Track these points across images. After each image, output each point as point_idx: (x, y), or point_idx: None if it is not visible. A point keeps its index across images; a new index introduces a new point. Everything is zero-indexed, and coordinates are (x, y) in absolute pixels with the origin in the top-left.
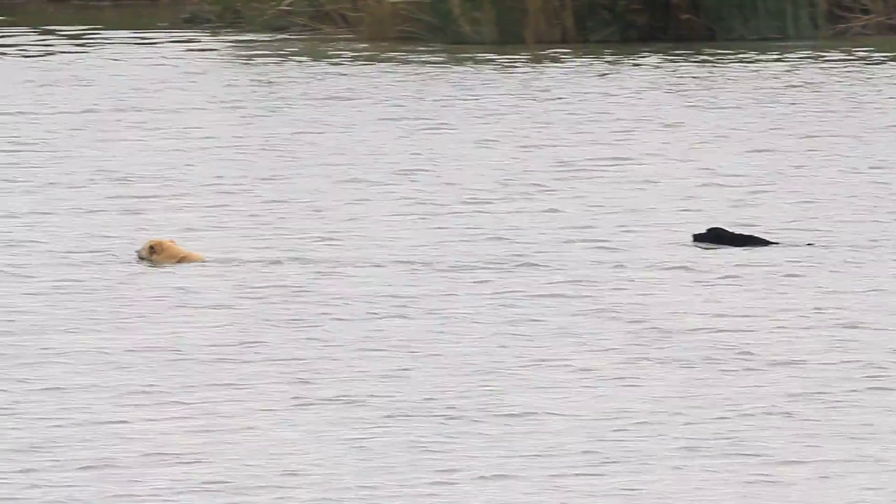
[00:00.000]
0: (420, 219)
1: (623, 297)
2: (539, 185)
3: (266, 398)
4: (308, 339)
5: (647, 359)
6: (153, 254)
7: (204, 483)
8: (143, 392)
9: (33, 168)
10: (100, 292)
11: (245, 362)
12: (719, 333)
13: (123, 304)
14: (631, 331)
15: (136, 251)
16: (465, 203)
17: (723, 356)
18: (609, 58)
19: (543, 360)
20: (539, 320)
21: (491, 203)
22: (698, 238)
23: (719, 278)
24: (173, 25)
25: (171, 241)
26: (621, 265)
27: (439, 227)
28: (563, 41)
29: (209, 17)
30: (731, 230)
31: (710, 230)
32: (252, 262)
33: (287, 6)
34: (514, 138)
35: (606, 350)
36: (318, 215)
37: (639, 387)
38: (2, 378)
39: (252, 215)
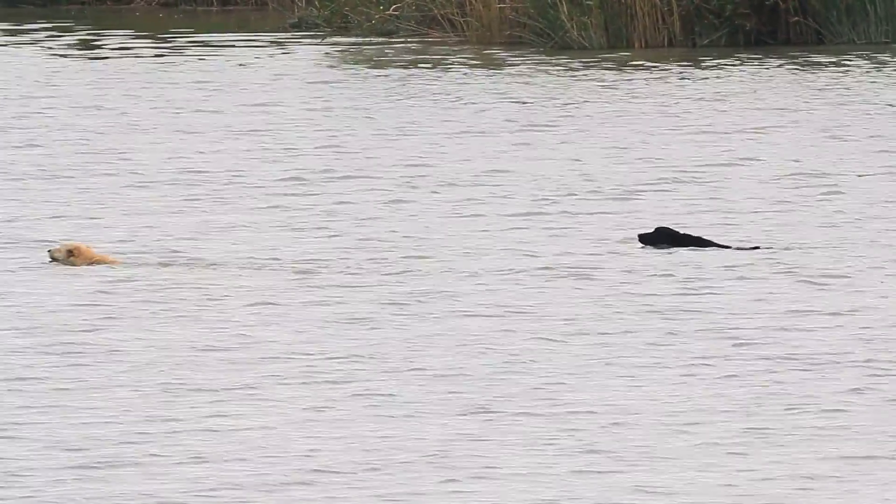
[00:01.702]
0: (544, 223)
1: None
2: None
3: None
4: (364, 337)
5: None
6: (70, 256)
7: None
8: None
9: (142, 165)
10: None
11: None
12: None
13: (192, 303)
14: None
15: (50, 251)
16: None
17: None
18: (716, 61)
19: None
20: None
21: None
22: (644, 239)
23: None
24: (281, 30)
25: (87, 246)
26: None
27: (550, 229)
28: (670, 45)
29: (316, 21)
30: (678, 230)
31: (657, 230)
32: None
33: (394, 11)
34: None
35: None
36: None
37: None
38: (62, 374)
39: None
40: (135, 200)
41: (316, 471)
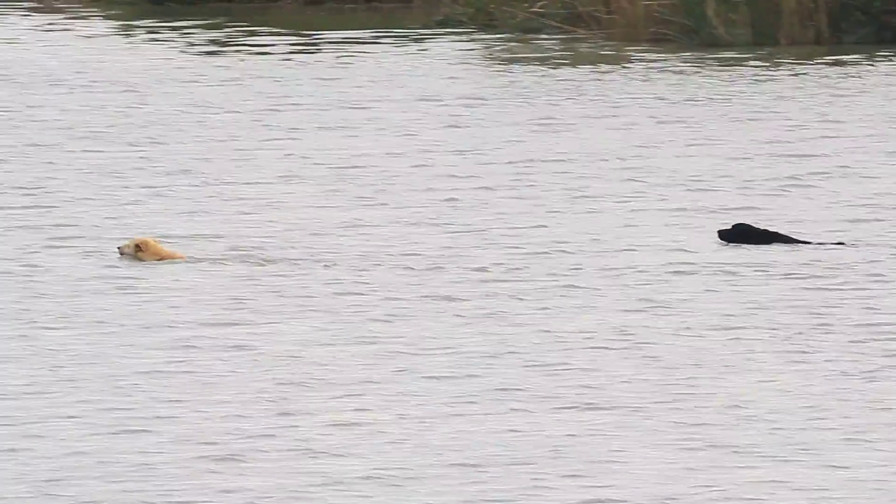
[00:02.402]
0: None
1: None
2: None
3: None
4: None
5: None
6: (138, 251)
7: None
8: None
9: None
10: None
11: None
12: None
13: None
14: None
15: (119, 247)
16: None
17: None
18: (861, 58)
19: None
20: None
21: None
22: (724, 235)
23: None
24: (426, 27)
25: (156, 241)
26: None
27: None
28: (817, 42)
29: (462, 18)
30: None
31: (736, 226)
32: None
33: (539, 8)
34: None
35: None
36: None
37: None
38: (196, 369)
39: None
40: (281, 195)
41: (452, 465)
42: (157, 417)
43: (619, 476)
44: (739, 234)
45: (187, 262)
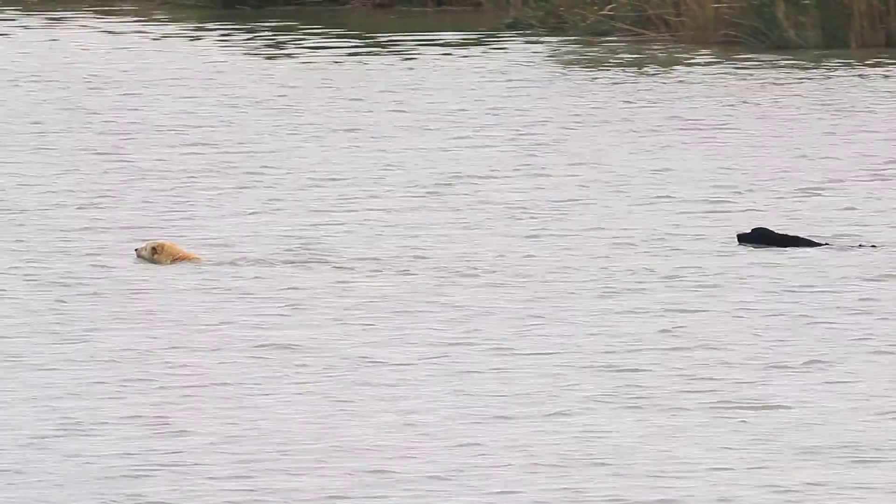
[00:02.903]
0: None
1: None
2: None
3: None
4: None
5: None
6: (154, 254)
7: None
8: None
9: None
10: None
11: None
12: None
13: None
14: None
15: (136, 249)
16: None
17: None
18: None
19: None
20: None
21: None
22: (743, 238)
23: None
24: (496, 30)
25: (172, 243)
26: None
27: None
28: (888, 45)
29: (531, 21)
30: (775, 231)
31: (755, 230)
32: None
33: (609, 11)
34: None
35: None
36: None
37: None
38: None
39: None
40: (348, 198)
41: (521, 466)
42: (199, 420)
43: (677, 477)
44: (757, 238)
45: (204, 263)
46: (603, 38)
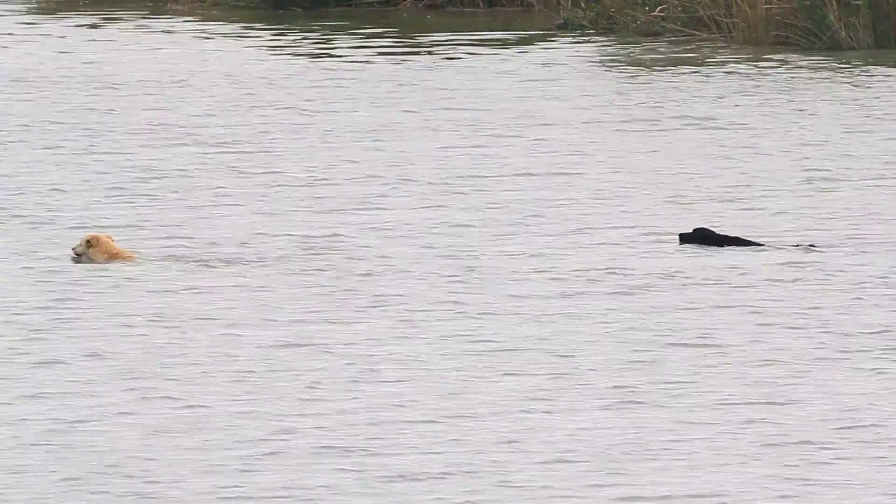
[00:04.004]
0: None
1: None
2: None
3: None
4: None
5: None
6: (90, 248)
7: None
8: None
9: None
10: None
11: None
12: None
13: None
14: None
15: (73, 248)
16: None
17: None
18: None
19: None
20: None
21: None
22: (684, 238)
23: None
24: (546, 31)
25: (108, 238)
26: None
27: None
28: None
29: (582, 22)
30: (715, 231)
31: (696, 230)
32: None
33: (660, 12)
34: None
35: None
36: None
37: None
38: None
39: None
40: (388, 198)
41: (550, 460)
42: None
43: (714, 473)
44: (698, 238)
45: (137, 261)
46: (654, 39)
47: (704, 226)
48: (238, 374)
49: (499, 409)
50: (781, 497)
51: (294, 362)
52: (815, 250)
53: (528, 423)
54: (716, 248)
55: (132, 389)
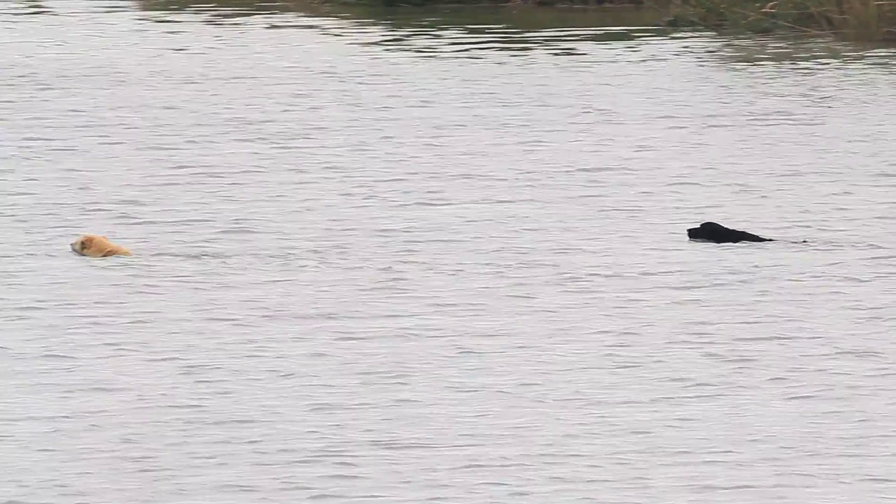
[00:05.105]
0: None
1: None
2: None
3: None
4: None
5: None
6: (84, 248)
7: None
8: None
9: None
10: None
11: None
12: None
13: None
14: None
15: (71, 244)
16: None
17: None
18: None
19: None
20: None
21: None
22: (693, 233)
23: None
24: (656, 28)
25: (103, 237)
26: None
27: None
28: None
29: (692, 19)
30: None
31: (703, 225)
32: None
33: (771, 8)
34: None
35: None
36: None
37: None
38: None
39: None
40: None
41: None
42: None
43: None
44: (706, 233)
45: (133, 257)
46: (764, 36)
47: (716, 221)
48: (310, 368)
49: (577, 400)
50: None
51: (365, 354)
52: (809, 246)
53: (595, 418)
54: (730, 243)
55: (202, 386)
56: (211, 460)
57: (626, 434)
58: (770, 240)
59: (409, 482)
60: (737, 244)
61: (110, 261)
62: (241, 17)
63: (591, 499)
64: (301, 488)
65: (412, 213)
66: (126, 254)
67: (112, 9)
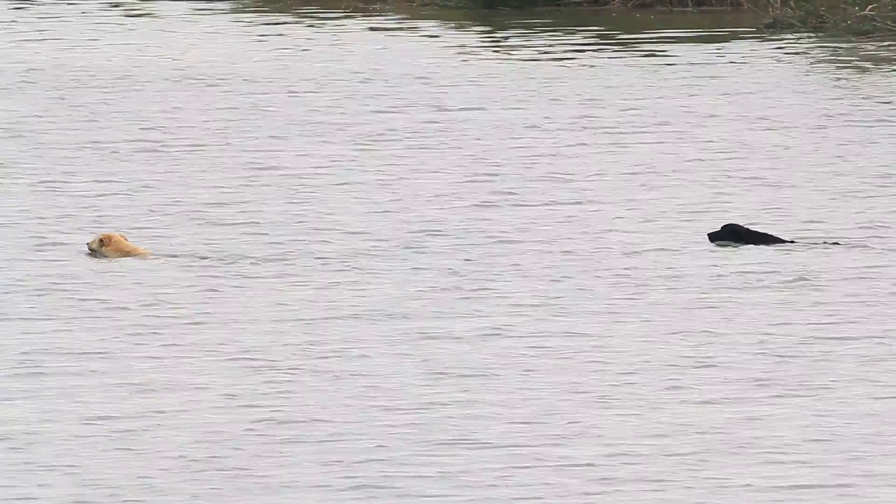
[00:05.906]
0: None
1: None
2: None
3: None
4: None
5: None
6: (102, 246)
7: None
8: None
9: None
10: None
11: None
12: None
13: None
14: None
15: (87, 243)
16: None
17: None
18: None
19: None
20: None
21: None
22: (713, 236)
23: None
24: (755, 30)
25: (122, 236)
26: None
27: None
28: None
29: (791, 21)
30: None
31: (725, 227)
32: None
33: (871, 10)
34: None
35: None
36: None
37: None
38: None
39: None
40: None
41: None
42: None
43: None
44: (727, 235)
45: (152, 258)
46: (863, 38)
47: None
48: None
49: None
50: None
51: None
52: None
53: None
54: (752, 244)
55: (268, 382)
56: (284, 459)
57: (704, 434)
58: (792, 241)
59: (480, 483)
60: (758, 245)
61: (180, 261)
62: (341, 20)
63: (668, 500)
64: (368, 487)
65: (493, 213)
66: (143, 255)
67: (210, 10)
